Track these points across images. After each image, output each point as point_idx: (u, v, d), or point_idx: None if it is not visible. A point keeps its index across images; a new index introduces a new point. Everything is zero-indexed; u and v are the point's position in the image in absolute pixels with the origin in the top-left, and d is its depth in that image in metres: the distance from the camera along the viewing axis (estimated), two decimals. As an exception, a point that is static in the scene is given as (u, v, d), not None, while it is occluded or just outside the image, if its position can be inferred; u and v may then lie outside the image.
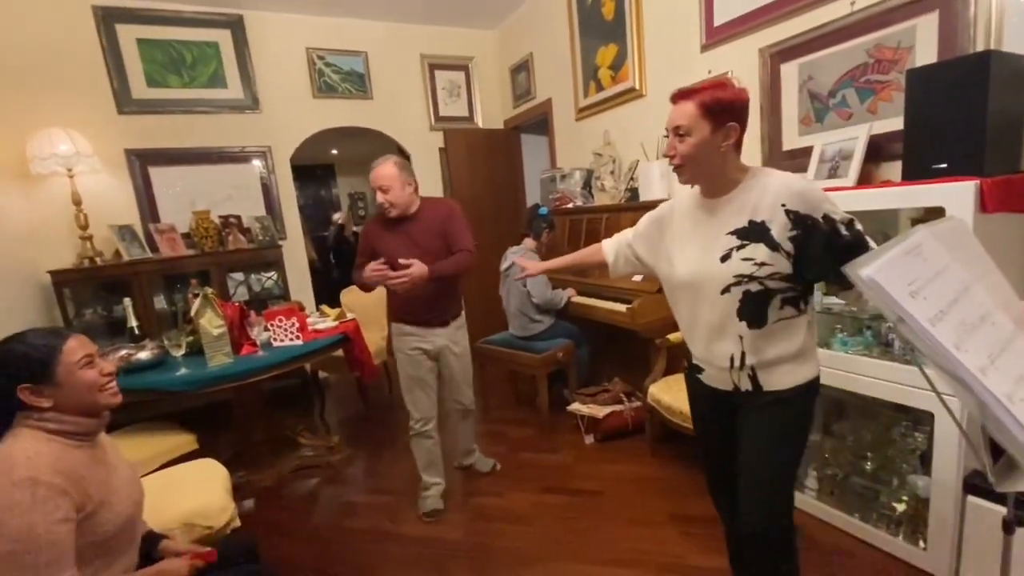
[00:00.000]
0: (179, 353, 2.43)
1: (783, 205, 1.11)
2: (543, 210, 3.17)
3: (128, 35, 3.38)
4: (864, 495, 1.91)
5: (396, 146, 4.42)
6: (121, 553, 1.13)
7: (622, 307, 2.69)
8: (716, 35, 2.54)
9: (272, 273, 3.74)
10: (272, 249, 3.67)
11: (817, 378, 1.25)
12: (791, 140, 2.29)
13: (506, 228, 4.35)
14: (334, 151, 6.55)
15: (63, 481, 0.99)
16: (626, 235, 1.51)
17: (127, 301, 2.74)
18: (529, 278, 2.87)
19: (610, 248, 1.55)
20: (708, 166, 1.18)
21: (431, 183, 4.45)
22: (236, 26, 3.64)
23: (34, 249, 3.09)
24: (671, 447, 2.55)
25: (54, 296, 3.06)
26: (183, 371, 2.28)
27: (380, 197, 2.03)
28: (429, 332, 2.19)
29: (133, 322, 2.63)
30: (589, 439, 2.77)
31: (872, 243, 1.10)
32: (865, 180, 1.90)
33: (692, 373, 1.39)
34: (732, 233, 1.16)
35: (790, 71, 2.23)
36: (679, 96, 1.18)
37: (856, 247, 1.08)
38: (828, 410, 2.06)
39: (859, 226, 1.11)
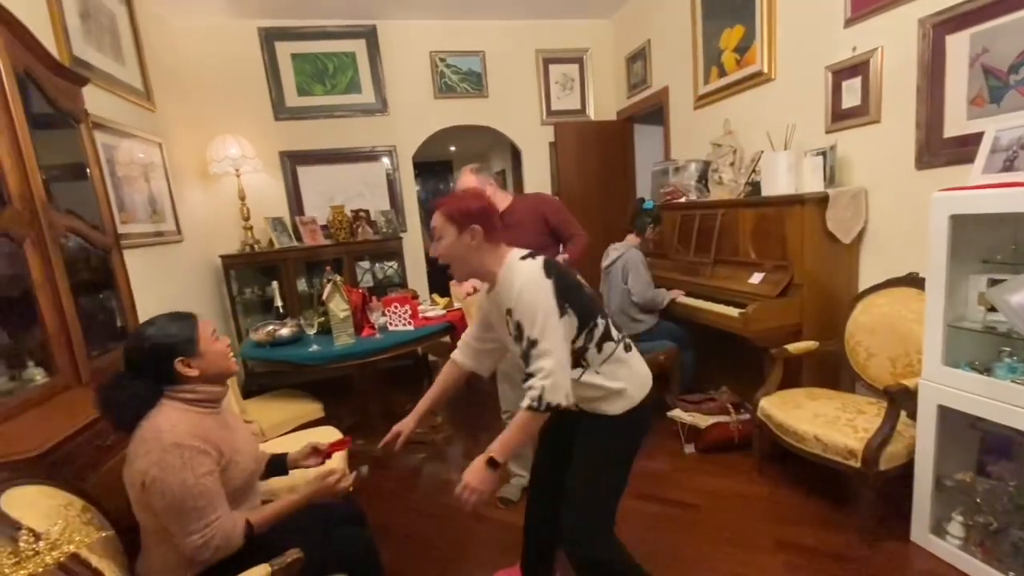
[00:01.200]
0: (312, 331, 2.77)
1: (508, 306, 1.29)
2: (648, 204, 3.03)
3: (284, 51, 3.88)
4: (1026, 552, 1.58)
5: (508, 142, 4.54)
6: (246, 500, 1.34)
7: (734, 311, 2.50)
8: (865, 5, 2.22)
9: (393, 262, 4.07)
10: (394, 240, 4.00)
11: (621, 414, 1.36)
12: (956, 125, 1.93)
13: (614, 223, 4.23)
14: (452, 147, 6.91)
15: (201, 443, 1.17)
16: (471, 331, 1.58)
17: (275, 284, 3.18)
18: (631, 275, 2.80)
19: (460, 358, 1.59)
20: (465, 262, 1.34)
21: (540, 178, 4.49)
22: (370, 36, 3.99)
23: (211, 236, 3.72)
24: (782, 467, 2.33)
25: (223, 276, 3.67)
26: (314, 347, 2.59)
27: None
28: None
29: (279, 302, 3.05)
30: (689, 449, 2.63)
31: (537, 373, 1.21)
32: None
33: None
34: (505, 321, 1.33)
35: (958, 43, 1.87)
36: (434, 207, 1.36)
37: (527, 360, 1.24)
38: (987, 447, 1.73)
39: (537, 348, 1.22)
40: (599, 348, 1.33)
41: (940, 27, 1.91)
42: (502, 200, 2.25)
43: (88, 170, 2.00)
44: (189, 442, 1.16)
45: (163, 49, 3.38)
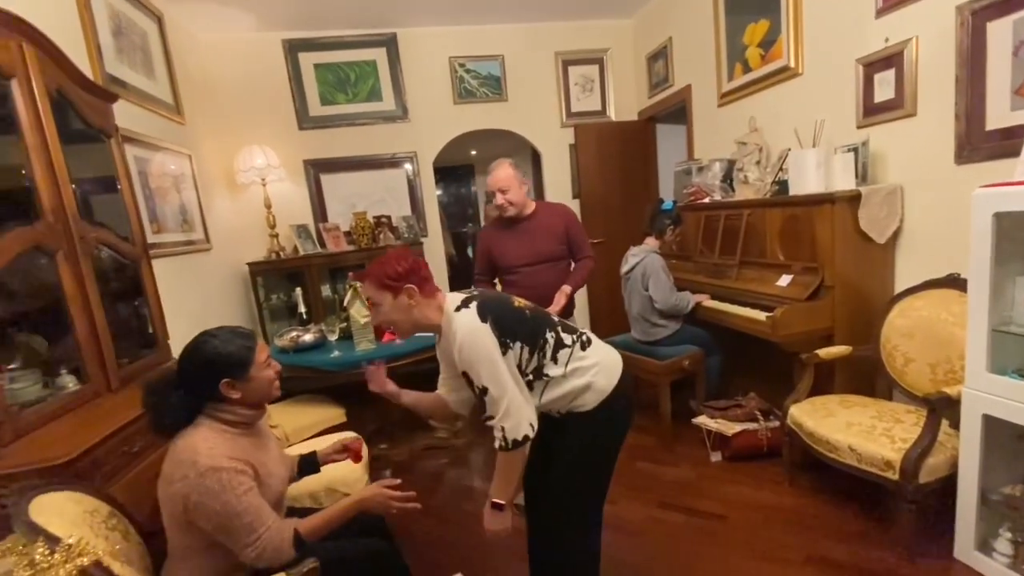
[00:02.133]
0: (334, 337, 2.81)
1: (454, 357, 1.30)
2: (667, 204, 2.95)
3: (307, 62, 3.96)
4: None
5: (528, 145, 4.52)
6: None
7: (762, 315, 2.41)
8: (898, -6, 2.12)
9: (415, 267, 4.09)
10: (415, 246, 4.02)
11: (592, 409, 1.38)
12: (1000, 117, 1.83)
13: (636, 225, 4.15)
14: (473, 152, 6.93)
15: (237, 464, 1.19)
16: (441, 375, 1.56)
17: (299, 290, 3.24)
18: (652, 282, 2.74)
19: (447, 396, 1.56)
20: (408, 323, 1.35)
21: (561, 181, 4.46)
22: (391, 44, 4.03)
23: (238, 244, 3.81)
24: (813, 477, 2.24)
25: (250, 283, 3.75)
26: (336, 353, 2.63)
27: (500, 198, 2.14)
28: None
29: (302, 308, 3.10)
30: (715, 457, 2.55)
31: (495, 415, 1.27)
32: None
33: None
34: (453, 368, 1.35)
35: (1001, 30, 1.77)
36: (359, 278, 1.42)
37: (482, 406, 1.29)
38: (1038, 460, 1.63)
39: (487, 396, 1.26)
40: (555, 360, 1.36)
41: (980, 14, 1.81)
42: (528, 204, 2.23)
43: (118, 183, 2.07)
44: (226, 464, 1.17)
45: (192, 63, 3.49)
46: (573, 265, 2.37)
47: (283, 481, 1.40)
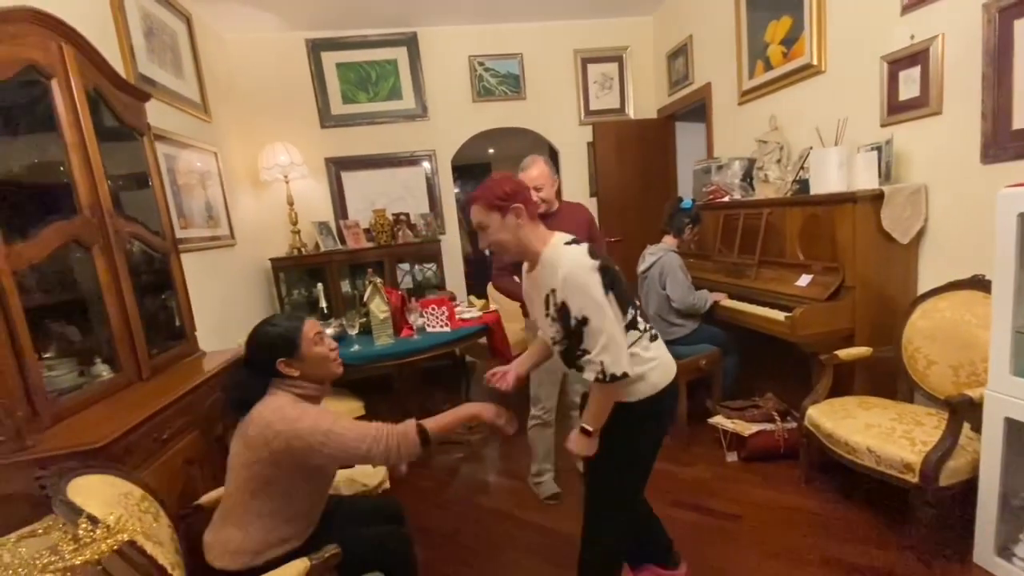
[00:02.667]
0: (354, 332, 2.85)
1: (552, 286, 1.31)
2: (686, 203, 2.93)
3: (330, 61, 4.02)
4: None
5: (547, 144, 4.53)
6: (325, 482, 1.47)
7: (780, 315, 2.40)
8: (923, -9, 2.08)
9: (432, 264, 4.15)
10: (433, 243, 4.07)
11: (635, 403, 1.39)
12: (1028, 116, 1.78)
13: (653, 224, 4.12)
14: (491, 150, 6.96)
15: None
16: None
17: (320, 286, 3.30)
18: (669, 281, 2.73)
19: (532, 336, 1.69)
20: (513, 246, 1.38)
21: (578, 179, 4.46)
22: (411, 43, 4.08)
23: (261, 240, 3.90)
24: (831, 479, 2.22)
25: (273, 279, 3.84)
26: (356, 347, 2.67)
27: (534, 195, 2.15)
28: None
29: (323, 303, 3.16)
30: (731, 457, 2.54)
31: (592, 349, 1.27)
32: None
33: None
34: (543, 303, 1.37)
35: (1030, 27, 1.73)
36: (467, 202, 1.40)
37: (577, 339, 1.29)
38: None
39: (587, 327, 1.26)
40: (624, 335, 1.36)
41: (1007, 11, 1.77)
42: (555, 202, 2.26)
43: (150, 180, 2.14)
44: (312, 410, 1.31)
45: (218, 63, 3.58)
46: None
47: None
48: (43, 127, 1.60)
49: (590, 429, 1.38)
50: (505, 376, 1.61)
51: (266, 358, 1.34)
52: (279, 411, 1.29)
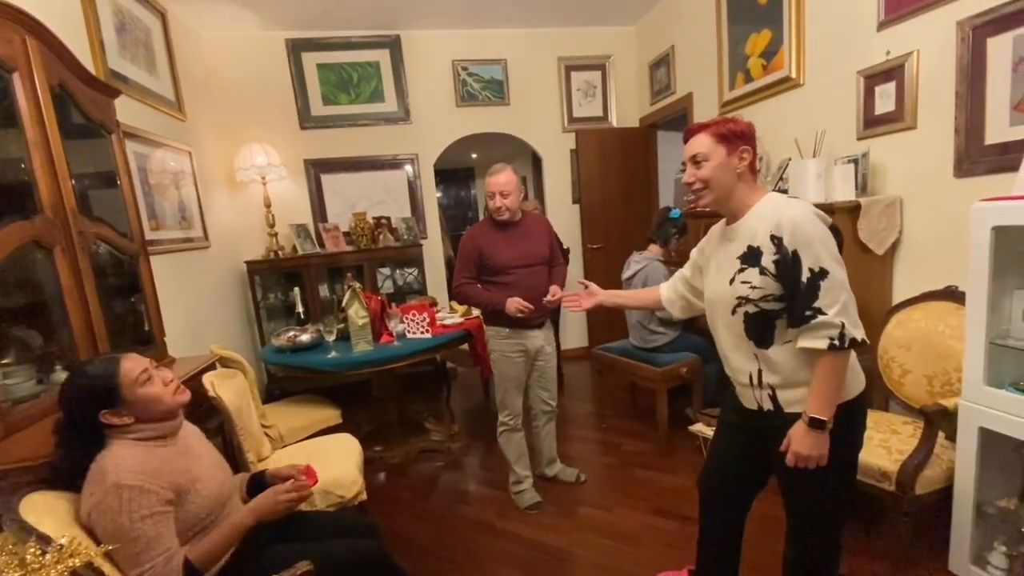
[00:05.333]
0: (331, 338, 2.79)
1: (772, 232, 1.16)
2: (675, 212, 2.95)
3: (310, 61, 3.96)
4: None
5: (529, 150, 4.53)
6: (216, 527, 1.26)
7: (759, 323, 2.41)
8: (899, 8, 2.14)
9: (413, 269, 4.09)
10: (414, 248, 4.02)
11: (853, 400, 1.22)
12: (998, 132, 1.84)
13: (636, 232, 4.18)
14: (474, 155, 6.95)
15: (144, 481, 1.11)
16: (682, 271, 1.58)
17: (296, 290, 3.23)
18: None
19: (665, 292, 1.64)
20: (726, 188, 1.24)
21: (561, 186, 4.47)
22: (394, 45, 4.04)
23: (237, 242, 3.80)
24: (810, 488, 2.23)
25: (248, 282, 3.74)
26: (333, 354, 2.61)
27: (499, 201, 2.18)
28: (529, 334, 2.30)
29: (300, 308, 3.09)
30: (712, 464, 2.55)
31: (830, 308, 1.10)
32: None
33: (730, 388, 1.47)
34: (739, 257, 1.23)
35: (1001, 46, 1.78)
36: (693, 131, 1.27)
37: (809, 296, 1.11)
38: (1033, 474, 1.63)
39: (826, 280, 1.10)
40: None
41: (980, 29, 1.82)
42: (518, 212, 2.28)
43: (118, 179, 2.06)
44: (131, 481, 1.10)
45: (194, 61, 3.49)
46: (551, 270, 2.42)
47: (219, 483, 1.32)
48: (3, 123, 1.52)
49: (823, 418, 1.13)
50: (581, 300, 1.60)
51: (85, 414, 1.15)
52: (117, 466, 1.11)
